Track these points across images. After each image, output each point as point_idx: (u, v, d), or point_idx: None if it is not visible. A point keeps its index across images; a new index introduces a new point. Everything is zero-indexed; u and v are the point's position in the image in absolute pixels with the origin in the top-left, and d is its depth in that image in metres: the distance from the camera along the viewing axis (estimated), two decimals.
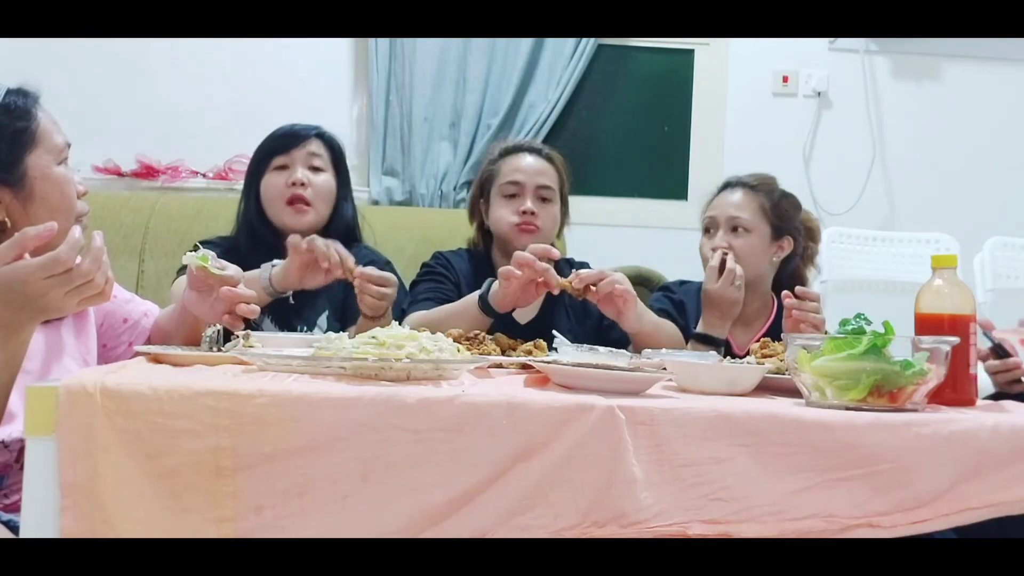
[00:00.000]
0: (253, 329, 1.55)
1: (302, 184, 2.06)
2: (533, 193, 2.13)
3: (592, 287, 1.81)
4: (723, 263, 2.02)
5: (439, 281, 2.12)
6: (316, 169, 2.10)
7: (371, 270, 1.78)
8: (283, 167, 2.09)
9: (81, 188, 1.53)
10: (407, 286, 2.16)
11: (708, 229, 2.19)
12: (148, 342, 1.65)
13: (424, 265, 2.20)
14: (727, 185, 2.23)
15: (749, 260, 2.09)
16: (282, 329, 2.00)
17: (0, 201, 1.41)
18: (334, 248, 1.78)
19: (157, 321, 1.69)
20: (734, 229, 2.14)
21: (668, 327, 2.04)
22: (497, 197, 2.16)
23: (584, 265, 2.25)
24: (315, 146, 2.12)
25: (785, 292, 1.89)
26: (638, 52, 3.65)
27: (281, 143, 2.10)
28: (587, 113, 3.59)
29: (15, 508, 1.31)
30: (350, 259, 1.78)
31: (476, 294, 1.91)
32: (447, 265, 2.17)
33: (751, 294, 2.10)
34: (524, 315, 2.14)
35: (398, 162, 3.40)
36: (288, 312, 2.04)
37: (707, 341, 2.01)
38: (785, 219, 2.18)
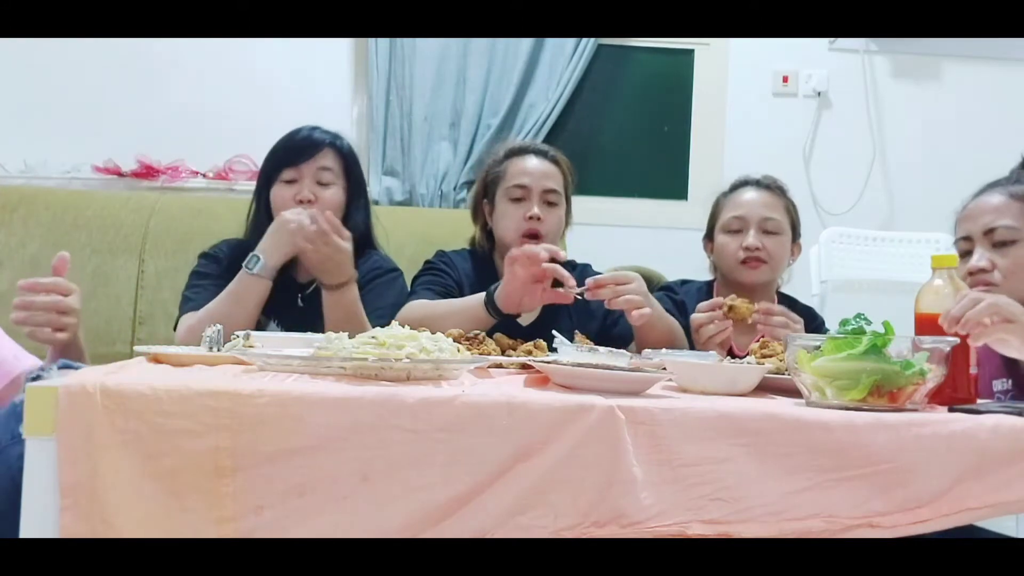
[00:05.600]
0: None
1: (309, 201, 2.05)
2: (539, 197, 2.12)
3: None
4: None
5: (440, 276, 2.12)
6: (324, 183, 2.09)
7: (332, 216, 1.91)
8: (292, 180, 2.08)
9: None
10: (407, 287, 2.17)
11: (737, 229, 2.16)
12: None
13: (427, 262, 2.20)
14: (744, 184, 2.22)
15: (779, 262, 2.12)
16: None
17: None
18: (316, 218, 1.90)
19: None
20: (767, 231, 2.14)
21: (672, 322, 2.04)
22: (503, 200, 2.15)
23: (587, 267, 2.25)
24: (326, 159, 2.10)
25: (759, 307, 1.93)
26: (638, 52, 3.65)
27: (292, 156, 2.10)
28: (587, 113, 3.59)
29: None
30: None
31: (481, 295, 1.92)
32: (450, 263, 2.17)
33: (761, 297, 2.10)
34: (526, 317, 2.14)
35: (398, 162, 3.40)
36: (297, 316, 2.04)
37: None
38: (798, 224, 2.21)
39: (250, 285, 1.93)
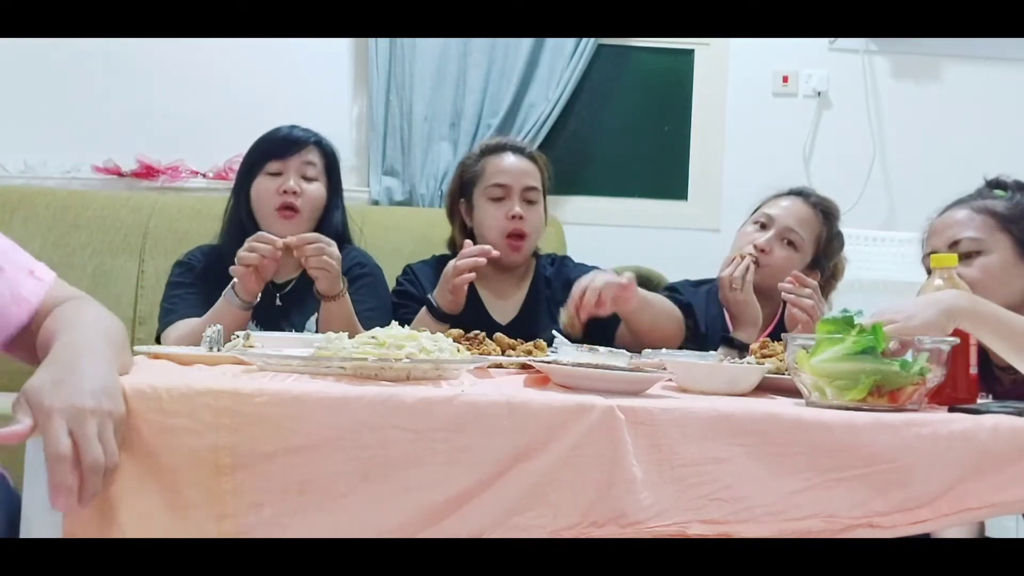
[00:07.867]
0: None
1: (294, 192, 2.05)
2: (520, 195, 2.10)
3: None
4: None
5: (407, 305, 2.10)
6: (309, 178, 2.10)
7: (304, 236, 1.85)
8: (276, 173, 2.08)
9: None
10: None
11: (762, 225, 2.16)
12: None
13: (396, 282, 2.18)
14: (798, 193, 2.20)
15: (782, 275, 2.04)
16: None
17: None
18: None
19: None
20: (786, 241, 2.12)
21: (663, 301, 2.04)
22: (482, 200, 2.12)
23: (565, 259, 2.25)
24: (311, 154, 2.11)
25: (791, 275, 1.92)
26: (638, 52, 3.64)
27: (278, 149, 2.09)
28: (587, 113, 3.59)
29: None
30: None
31: (423, 308, 1.96)
32: (414, 281, 2.15)
33: (765, 303, 2.08)
34: (504, 316, 2.12)
35: (398, 162, 3.40)
36: (276, 315, 2.03)
37: (731, 344, 1.97)
38: (827, 256, 2.20)
39: (228, 313, 1.87)
